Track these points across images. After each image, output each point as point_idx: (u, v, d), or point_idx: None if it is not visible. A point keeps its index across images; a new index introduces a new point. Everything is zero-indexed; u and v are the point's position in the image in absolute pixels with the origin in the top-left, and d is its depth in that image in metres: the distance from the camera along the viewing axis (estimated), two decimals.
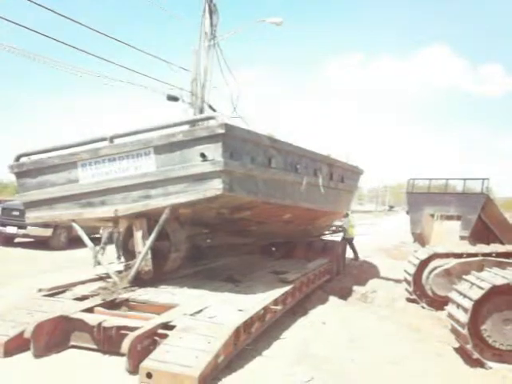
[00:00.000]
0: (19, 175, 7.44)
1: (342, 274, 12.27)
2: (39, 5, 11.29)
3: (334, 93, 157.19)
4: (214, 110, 18.40)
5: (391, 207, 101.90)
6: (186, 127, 7.03)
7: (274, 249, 12.05)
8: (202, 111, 17.40)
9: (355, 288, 10.59)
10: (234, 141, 6.44)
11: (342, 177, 10.30)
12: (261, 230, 9.15)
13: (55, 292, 6.45)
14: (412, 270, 9.52)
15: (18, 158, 7.38)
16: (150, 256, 6.91)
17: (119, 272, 7.22)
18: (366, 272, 13.33)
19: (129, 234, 7.50)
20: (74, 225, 7.22)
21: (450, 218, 14.46)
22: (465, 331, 6.11)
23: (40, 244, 14.95)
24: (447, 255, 9.29)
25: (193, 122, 7.45)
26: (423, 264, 9.37)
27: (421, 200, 14.93)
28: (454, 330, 6.51)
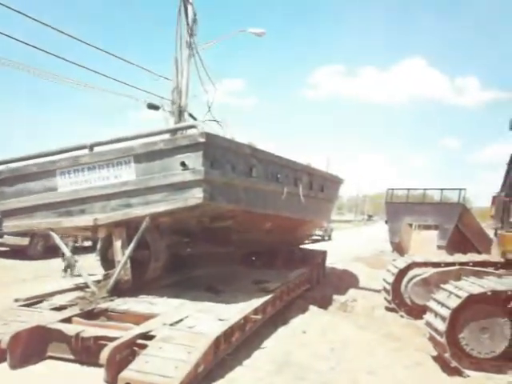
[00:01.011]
0: None
1: (321, 283, 12.31)
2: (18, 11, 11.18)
3: (315, 103, 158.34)
4: (194, 119, 18.36)
5: (370, 216, 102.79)
6: (166, 136, 7.03)
7: (254, 258, 12.04)
8: (182, 119, 17.36)
9: (335, 297, 10.63)
10: (215, 150, 6.45)
11: (322, 186, 10.36)
12: (241, 238, 9.14)
13: (32, 302, 6.35)
14: (391, 279, 9.60)
15: None
16: (129, 265, 6.85)
17: (98, 281, 7.14)
18: (346, 281, 13.40)
19: (107, 242, 7.44)
20: (52, 234, 7.12)
21: (427, 227, 14.65)
22: (443, 340, 6.18)
23: (16, 253, 14.71)
24: (425, 264, 9.40)
25: (174, 131, 7.43)
26: (402, 273, 9.46)
27: (399, 210, 15.11)
28: (432, 339, 6.58)
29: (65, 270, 11.93)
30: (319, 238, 29.36)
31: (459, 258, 9.56)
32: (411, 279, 9.22)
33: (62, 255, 11.85)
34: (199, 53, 17.21)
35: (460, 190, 14.43)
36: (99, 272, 7.73)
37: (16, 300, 6.35)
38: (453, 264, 9.08)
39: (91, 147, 6.71)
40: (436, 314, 6.51)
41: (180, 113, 16.46)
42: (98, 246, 16.03)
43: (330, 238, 31.14)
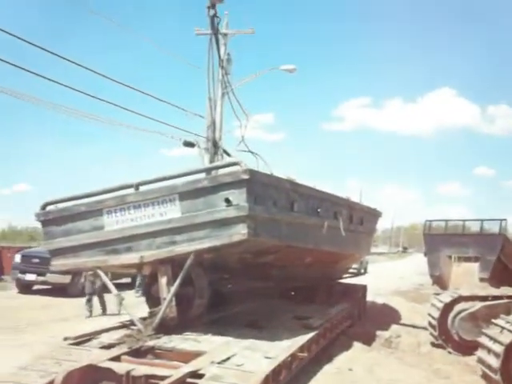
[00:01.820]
0: (45, 223, 7.54)
1: (363, 318, 12.08)
2: (54, 53, 11.69)
3: (341, 135, 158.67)
4: (228, 155, 18.65)
5: (405, 249, 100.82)
6: (208, 173, 7.17)
7: (293, 293, 11.93)
8: (217, 156, 17.64)
9: (378, 333, 10.40)
10: (258, 186, 6.52)
11: (361, 219, 10.30)
12: (282, 274, 9.11)
13: (81, 340, 6.42)
14: (436, 313, 9.37)
15: (44, 207, 7.50)
16: (174, 302, 6.88)
17: (143, 319, 7.18)
18: (388, 316, 13.12)
19: (152, 280, 7.51)
20: (99, 272, 7.25)
21: (468, 259, 14.29)
22: (497, 377, 5.97)
23: (58, 291, 14.97)
24: (472, 298, 9.16)
25: (217, 168, 7.55)
26: (448, 307, 9.22)
27: (438, 242, 14.79)
28: (485, 376, 6.36)
29: (89, 311, 12.10)
30: (355, 271, 28.85)
31: (506, 291, 9.30)
32: (458, 314, 8.98)
33: (89, 295, 12.09)
34: (233, 90, 17.57)
35: (501, 220, 14.06)
36: (139, 309, 7.79)
37: (65, 338, 6.42)
38: (500, 297, 8.83)
39: (137, 186, 6.86)
40: (489, 351, 6.31)
41: (215, 149, 16.71)
42: (137, 283, 16.24)
43: (365, 271, 30.59)
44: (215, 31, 8.35)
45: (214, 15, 8.27)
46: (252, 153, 13.04)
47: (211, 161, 16.98)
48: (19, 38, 10.85)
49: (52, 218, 7.45)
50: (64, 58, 11.75)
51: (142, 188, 6.91)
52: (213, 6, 8.09)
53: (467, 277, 13.29)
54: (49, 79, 11.77)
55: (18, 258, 16.17)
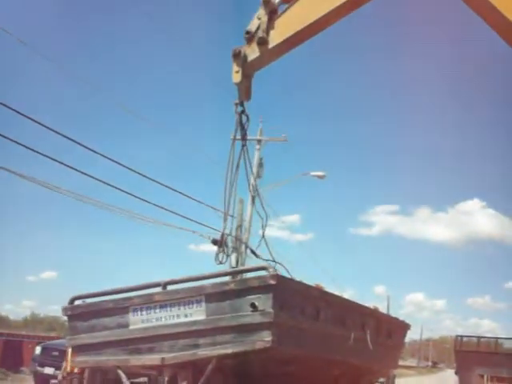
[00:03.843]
0: (71, 318, 7.56)
1: None
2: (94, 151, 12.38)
3: (372, 239, 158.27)
4: (256, 256, 18.66)
5: (435, 363, 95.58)
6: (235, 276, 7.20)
7: None
8: (244, 255, 17.73)
9: None
10: (285, 292, 6.49)
11: (389, 332, 9.98)
12: None
13: None
14: None
15: (72, 301, 7.57)
16: None
17: None
18: None
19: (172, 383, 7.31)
20: (120, 372, 7.11)
21: (501, 380, 13.49)
22: None
23: None
24: None
25: (245, 272, 7.59)
26: None
27: (470, 359, 14.13)
28: None
29: None
30: None
31: None
32: None
33: None
34: (263, 193, 18.00)
35: None
36: None
37: None
38: None
39: (165, 285, 6.91)
40: None
41: (245, 249, 16.86)
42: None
43: None
44: (242, 129, 8.62)
45: (242, 112, 8.67)
46: (274, 261, 13.09)
47: (238, 261, 17.06)
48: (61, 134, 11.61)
49: (79, 313, 7.48)
50: (106, 157, 12.40)
51: (169, 287, 6.96)
52: (241, 104, 8.51)
53: None
54: (92, 177, 12.38)
55: (38, 349, 16.09)
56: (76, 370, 12.12)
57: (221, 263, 8.63)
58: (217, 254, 8.74)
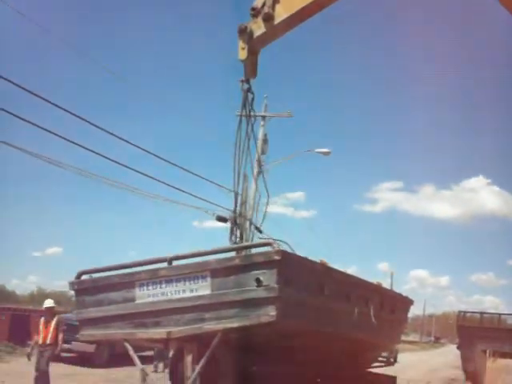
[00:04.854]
0: (78, 292, 7.67)
1: None
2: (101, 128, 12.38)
3: (376, 216, 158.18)
4: (260, 232, 18.76)
5: (437, 339, 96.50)
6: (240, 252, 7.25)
7: (319, 380, 11.52)
8: (249, 231, 17.80)
9: None
10: (289, 267, 6.54)
11: (392, 307, 10.08)
12: (309, 359, 8.88)
13: None
14: None
15: (79, 276, 7.67)
16: (198, 382, 6.77)
17: None
18: None
19: (177, 357, 7.44)
20: (126, 345, 7.23)
21: (504, 355, 13.60)
22: None
23: (82, 360, 14.85)
24: None
25: (249, 248, 7.64)
26: None
27: (472, 335, 14.22)
28: None
29: None
30: (384, 359, 27.58)
31: None
32: None
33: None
34: (267, 170, 18.03)
35: None
36: None
37: None
38: None
39: (170, 261, 6.98)
40: None
41: (249, 225, 16.92)
42: (154, 355, 16.03)
43: (395, 361, 29.31)
44: (248, 107, 8.57)
45: (248, 90, 8.59)
46: (284, 242, 13.16)
47: (243, 237, 17.15)
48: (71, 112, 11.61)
49: (85, 288, 7.58)
50: (112, 134, 12.40)
51: (174, 263, 7.02)
52: (247, 81, 8.43)
53: (502, 374, 12.62)
54: (97, 153, 12.42)
55: None
56: (48, 342, 12.29)
57: (235, 243, 8.69)
58: (231, 233, 8.82)
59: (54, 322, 12.44)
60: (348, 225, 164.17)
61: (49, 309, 12.86)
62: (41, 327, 12.49)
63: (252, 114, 8.67)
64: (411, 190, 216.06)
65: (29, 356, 12.55)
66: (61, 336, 12.35)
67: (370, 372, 12.45)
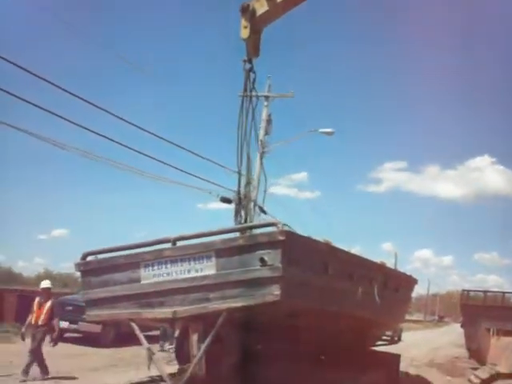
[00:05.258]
0: (84, 273, 7.73)
1: None
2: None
3: (380, 196, 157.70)
4: (264, 213, 18.83)
5: (441, 317, 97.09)
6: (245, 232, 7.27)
7: (323, 357, 11.64)
8: (253, 212, 17.83)
9: None
10: (293, 247, 6.56)
11: (396, 286, 10.13)
12: (313, 338, 8.96)
13: None
14: None
15: (84, 257, 7.71)
16: (204, 360, 6.85)
17: (173, 375, 7.16)
18: None
19: (183, 336, 7.52)
20: (132, 324, 7.31)
21: (507, 333, 13.68)
22: None
23: (88, 340, 15.04)
24: (511, 376, 8.77)
25: (253, 228, 7.65)
26: None
27: (476, 313, 14.29)
28: None
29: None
30: (388, 338, 27.84)
31: None
32: None
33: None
34: (271, 150, 17.97)
35: None
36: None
37: None
38: None
39: (174, 241, 7.01)
40: None
41: (253, 206, 16.95)
42: (159, 335, 16.17)
43: (399, 339, 29.57)
44: (250, 86, 8.54)
45: (251, 69, 8.54)
46: (287, 225, 13.20)
47: (247, 217, 17.18)
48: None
49: (91, 269, 7.63)
50: (116, 116, 12.37)
51: (179, 243, 7.05)
52: (249, 61, 8.37)
53: (506, 352, 12.70)
54: (100, 134, 12.40)
55: None
56: (40, 323, 12.27)
57: (240, 223, 8.71)
58: (236, 214, 8.83)
59: (48, 304, 12.44)
60: (352, 205, 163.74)
61: (45, 290, 12.78)
62: (34, 307, 12.47)
63: (254, 93, 8.65)
64: (415, 170, 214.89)
65: (23, 336, 12.48)
66: (55, 321, 12.36)
67: (374, 350, 12.58)
